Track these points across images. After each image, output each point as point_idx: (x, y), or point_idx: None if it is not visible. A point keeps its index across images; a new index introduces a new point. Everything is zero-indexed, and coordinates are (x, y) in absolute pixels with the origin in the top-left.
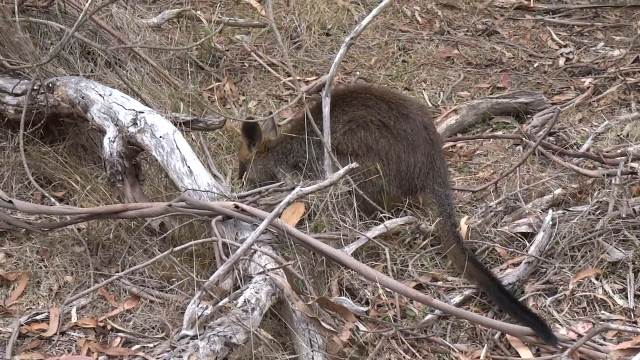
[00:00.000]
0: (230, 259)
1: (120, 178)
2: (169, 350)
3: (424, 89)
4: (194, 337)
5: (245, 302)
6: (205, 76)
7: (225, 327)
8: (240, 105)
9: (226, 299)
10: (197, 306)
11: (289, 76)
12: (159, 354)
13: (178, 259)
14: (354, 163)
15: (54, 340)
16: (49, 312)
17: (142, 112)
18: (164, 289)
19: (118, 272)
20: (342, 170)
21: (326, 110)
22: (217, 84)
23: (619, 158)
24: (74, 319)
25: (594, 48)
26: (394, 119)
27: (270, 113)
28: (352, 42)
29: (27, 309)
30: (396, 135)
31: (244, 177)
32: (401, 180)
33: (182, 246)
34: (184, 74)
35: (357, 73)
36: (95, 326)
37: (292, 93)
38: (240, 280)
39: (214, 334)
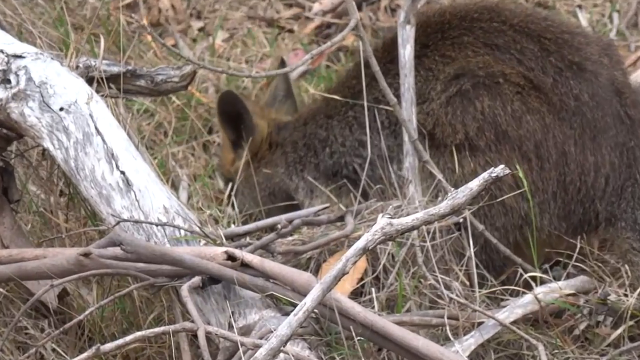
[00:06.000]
0: None
1: None
2: None
3: (578, 7)
4: None
5: None
6: None
7: None
8: (195, 41)
9: None
10: None
11: None
12: None
13: None
14: (502, 166)
15: None
16: None
17: (20, 57)
18: None
19: None
20: (479, 179)
21: (407, 52)
22: None
23: None
24: None
25: None
26: (552, 72)
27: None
28: None
29: None
30: (558, 108)
31: (233, 199)
32: (567, 203)
33: (121, 341)
34: None
35: None
36: None
37: (298, 14)
38: None
39: None
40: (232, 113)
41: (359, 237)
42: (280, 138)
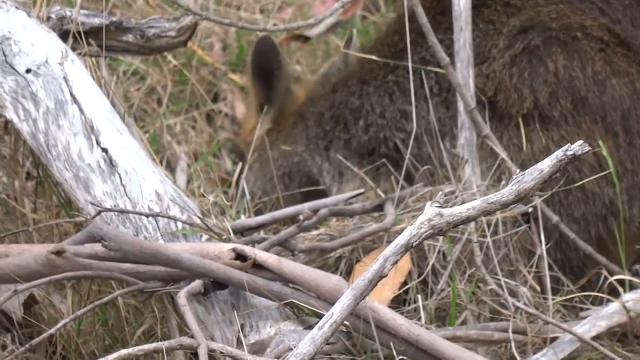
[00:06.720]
0: None
1: None
2: None
3: None
4: None
5: None
6: None
7: None
8: None
9: None
10: None
11: None
12: None
13: None
14: (580, 142)
15: None
16: None
17: None
18: None
19: None
20: (552, 159)
21: (463, 0)
22: None
23: None
24: None
25: None
26: None
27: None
28: None
29: None
30: None
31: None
32: None
33: None
34: None
35: None
36: None
37: None
38: None
39: None
40: (267, 68)
41: (401, 231)
42: (304, 110)
